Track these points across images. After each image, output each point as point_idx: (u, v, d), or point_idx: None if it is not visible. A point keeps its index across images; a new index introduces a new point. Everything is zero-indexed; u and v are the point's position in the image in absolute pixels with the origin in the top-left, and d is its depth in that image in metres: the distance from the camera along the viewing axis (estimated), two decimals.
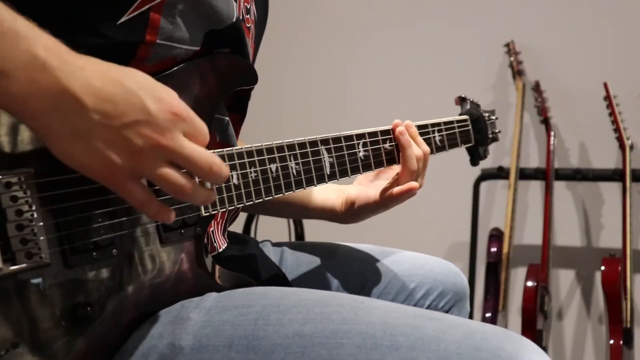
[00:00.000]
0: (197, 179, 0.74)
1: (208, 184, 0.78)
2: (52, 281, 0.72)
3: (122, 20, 0.80)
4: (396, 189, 1.09)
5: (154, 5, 0.82)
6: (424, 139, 1.14)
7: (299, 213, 1.36)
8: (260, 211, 0.93)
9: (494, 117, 1.37)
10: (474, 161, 1.35)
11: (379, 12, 2.66)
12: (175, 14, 0.84)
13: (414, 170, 1.09)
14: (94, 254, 0.75)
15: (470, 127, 1.29)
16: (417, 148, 1.11)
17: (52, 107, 0.64)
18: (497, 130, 1.38)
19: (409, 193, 1.09)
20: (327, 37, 2.74)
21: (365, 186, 1.16)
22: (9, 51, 0.62)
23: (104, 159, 0.66)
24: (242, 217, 2.46)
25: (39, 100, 0.64)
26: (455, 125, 1.25)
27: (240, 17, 0.97)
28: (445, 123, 1.22)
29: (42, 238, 0.70)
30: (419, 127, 1.15)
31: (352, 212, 1.16)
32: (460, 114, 1.31)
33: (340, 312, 0.78)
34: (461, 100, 1.34)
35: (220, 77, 0.89)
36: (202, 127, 0.72)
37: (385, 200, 1.11)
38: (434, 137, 1.19)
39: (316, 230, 2.39)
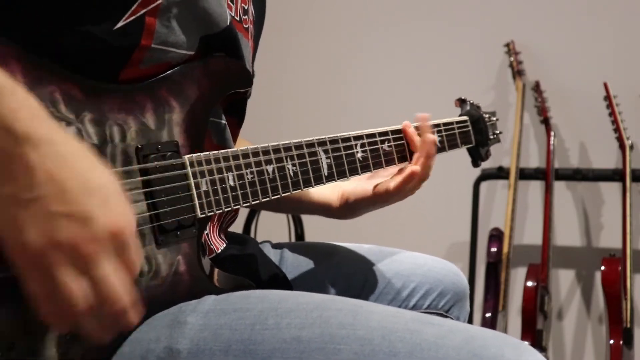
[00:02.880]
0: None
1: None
2: None
3: (119, 25, 0.80)
4: (398, 178, 1.09)
5: (149, 10, 0.82)
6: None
7: (294, 208, 1.36)
8: (254, 205, 0.92)
9: (494, 119, 1.37)
10: (475, 162, 1.35)
11: (379, 11, 2.66)
12: (171, 18, 0.84)
13: (425, 178, 1.11)
14: None
15: (470, 127, 1.29)
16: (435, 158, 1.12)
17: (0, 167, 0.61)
18: (498, 132, 1.38)
19: (411, 179, 1.08)
20: (325, 37, 2.73)
21: (363, 182, 1.15)
22: None
23: (22, 234, 0.61)
24: (242, 217, 2.46)
25: None
26: (455, 126, 1.24)
27: (238, 19, 0.97)
28: (445, 124, 1.22)
29: None
30: (416, 128, 1.15)
31: (348, 207, 1.16)
32: (460, 115, 1.31)
33: (338, 317, 0.78)
34: (461, 102, 1.34)
35: (215, 80, 0.89)
36: (135, 260, 0.66)
37: (384, 196, 1.10)
38: None
39: (316, 231, 2.39)
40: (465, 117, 1.29)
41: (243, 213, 2.43)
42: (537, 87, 2.47)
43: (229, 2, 0.95)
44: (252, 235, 2.45)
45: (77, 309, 0.63)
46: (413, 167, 1.09)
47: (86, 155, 0.66)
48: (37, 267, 0.62)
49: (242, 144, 1.09)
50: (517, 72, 2.44)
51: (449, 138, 1.22)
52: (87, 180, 0.64)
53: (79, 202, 0.63)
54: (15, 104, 0.62)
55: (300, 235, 2.46)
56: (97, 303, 0.64)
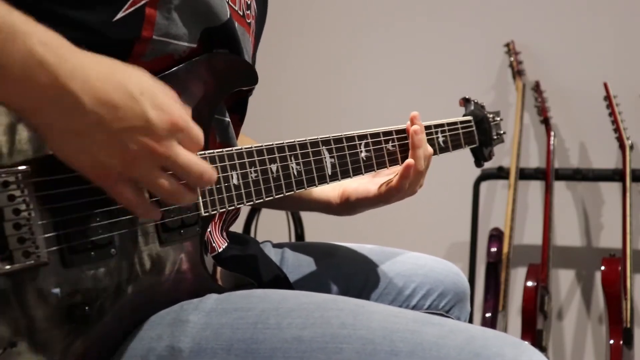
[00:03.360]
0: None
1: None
2: (50, 280, 0.71)
3: (118, 17, 0.80)
4: (396, 178, 1.08)
5: (150, 1, 0.81)
6: (427, 140, 1.13)
7: (294, 205, 1.36)
8: (257, 204, 0.93)
9: (498, 119, 1.37)
10: (479, 162, 1.35)
11: (380, 11, 2.66)
12: (171, 9, 0.83)
13: (421, 171, 1.09)
14: (93, 253, 0.74)
15: (474, 128, 1.29)
16: (426, 149, 1.10)
17: (48, 105, 0.64)
18: (502, 132, 1.37)
19: (408, 173, 1.07)
20: (328, 37, 2.73)
21: (365, 180, 1.15)
22: (5, 46, 0.61)
23: (98, 159, 0.67)
24: (242, 217, 2.46)
25: (36, 97, 0.63)
26: (459, 126, 1.24)
27: (241, 13, 0.97)
28: (449, 124, 1.21)
29: (39, 237, 0.69)
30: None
31: (349, 206, 1.15)
32: (464, 115, 1.30)
33: (340, 317, 0.78)
34: (465, 102, 1.34)
35: (220, 77, 0.89)
36: (198, 135, 0.73)
37: (385, 194, 1.10)
38: (437, 137, 1.18)
39: (316, 231, 2.39)
40: (469, 117, 1.29)
41: (243, 213, 2.43)
42: (537, 87, 2.47)
43: None
44: (252, 235, 2.45)
45: (180, 196, 0.72)
46: (409, 160, 1.08)
47: (116, 66, 0.69)
48: (125, 182, 0.69)
49: (244, 141, 1.09)
50: (517, 72, 2.44)
51: (452, 138, 1.22)
52: (129, 90, 0.67)
53: (132, 112, 0.67)
54: (43, 35, 0.64)
55: (300, 235, 2.46)
56: (186, 178, 0.72)
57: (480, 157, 1.34)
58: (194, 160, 0.72)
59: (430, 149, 1.11)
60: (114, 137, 0.66)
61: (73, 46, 0.66)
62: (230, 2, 0.93)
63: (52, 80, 0.63)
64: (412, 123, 1.10)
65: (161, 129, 0.68)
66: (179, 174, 0.71)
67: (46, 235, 0.70)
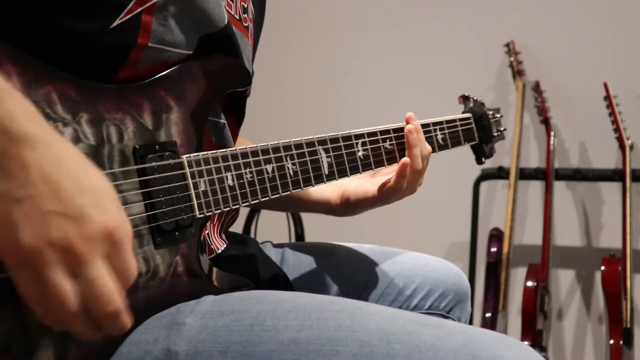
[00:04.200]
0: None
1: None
2: None
3: (115, 24, 0.79)
4: (393, 178, 1.08)
5: (146, 8, 0.81)
6: (426, 137, 1.13)
7: (293, 206, 1.35)
8: (254, 205, 0.92)
9: (498, 115, 1.36)
10: (479, 160, 1.34)
11: (379, 11, 2.66)
12: (167, 16, 0.83)
13: (418, 169, 1.08)
14: None
15: (473, 125, 1.28)
16: (423, 147, 1.10)
17: None
18: (502, 128, 1.37)
19: (404, 172, 1.06)
20: (326, 36, 2.73)
21: (364, 180, 1.15)
22: None
23: (13, 231, 0.61)
24: (242, 217, 2.46)
25: None
26: (458, 123, 1.24)
27: (237, 17, 0.97)
28: (448, 121, 1.21)
29: None
30: (421, 125, 1.14)
31: (348, 206, 1.15)
32: (463, 112, 1.30)
33: (337, 319, 0.77)
34: (464, 99, 1.33)
35: (213, 79, 0.89)
36: (129, 264, 0.65)
37: (384, 194, 1.10)
38: (436, 135, 1.18)
39: (316, 231, 2.39)
40: (468, 115, 1.28)
41: (243, 213, 2.43)
42: (537, 87, 2.46)
43: (229, 0, 0.95)
44: (252, 235, 2.45)
45: (69, 310, 0.62)
46: (404, 158, 1.08)
47: (80, 158, 0.65)
48: (29, 266, 0.61)
49: (243, 143, 1.09)
50: (517, 72, 2.44)
51: (451, 135, 1.21)
52: (81, 181, 0.63)
53: (72, 201, 0.62)
54: (13, 106, 0.61)
55: (300, 235, 2.46)
56: (89, 304, 0.63)
57: (480, 155, 1.33)
58: (107, 284, 0.63)
59: (427, 148, 1.11)
60: (41, 216, 0.61)
61: (46, 124, 0.64)
62: (226, 7, 0.93)
63: (8, 143, 0.61)
64: (407, 122, 1.10)
65: (92, 231, 0.62)
66: (84, 290, 0.62)
67: None
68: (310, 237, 2.50)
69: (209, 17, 0.87)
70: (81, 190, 0.63)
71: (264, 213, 2.47)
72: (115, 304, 0.64)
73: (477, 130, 1.29)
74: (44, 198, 0.61)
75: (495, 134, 1.34)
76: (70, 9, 0.77)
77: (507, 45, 2.47)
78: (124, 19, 0.80)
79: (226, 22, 0.90)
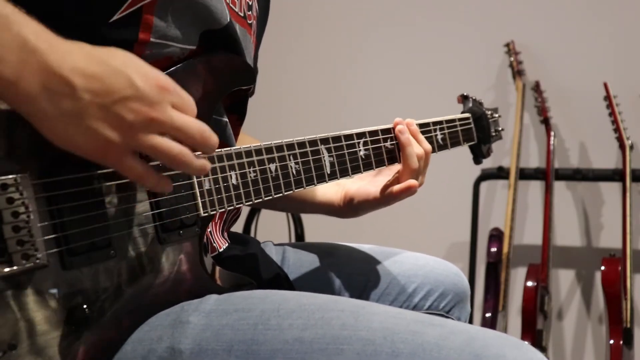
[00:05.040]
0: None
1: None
2: (49, 282, 0.71)
3: (115, 18, 0.80)
4: (396, 187, 1.09)
5: (147, 4, 0.81)
6: (426, 137, 1.13)
7: (296, 207, 1.35)
8: (257, 204, 0.92)
9: (497, 115, 1.36)
10: (477, 159, 1.34)
11: (380, 11, 2.66)
12: (169, 12, 0.83)
13: (414, 168, 1.08)
14: (92, 255, 0.74)
15: (472, 125, 1.28)
16: (417, 146, 1.10)
17: (42, 90, 0.65)
18: (500, 128, 1.37)
19: (409, 191, 1.08)
20: (327, 36, 2.73)
21: (365, 182, 1.15)
22: (0, 35, 0.63)
23: (98, 137, 0.67)
24: (242, 217, 2.46)
25: (30, 83, 0.64)
26: (457, 123, 1.24)
27: (242, 14, 0.97)
28: (447, 121, 1.21)
29: (38, 239, 0.69)
30: (421, 125, 1.14)
31: (351, 207, 1.16)
32: (462, 112, 1.30)
33: (341, 318, 0.78)
34: (463, 99, 1.34)
35: (218, 77, 0.89)
36: (189, 98, 0.73)
37: (385, 198, 1.10)
38: (436, 135, 1.18)
39: (316, 231, 2.39)
40: (467, 114, 1.28)
41: (243, 213, 2.43)
42: (537, 87, 2.47)
43: None
44: (252, 235, 2.45)
45: (186, 157, 0.72)
46: (412, 181, 1.08)
47: (101, 48, 0.70)
48: (129, 154, 0.70)
49: (246, 140, 1.09)
50: (517, 72, 2.44)
51: (451, 135, 1.22)
52: (113, 64, 0.69)
53: (121, 83, 0.68)
54: (35, 25, 0.66)
55: (300, 235, 2.46)
56: (188, 141, 0.72)
57: (478, 155, 1.33)
58: (189, 120, 0.72)
59: (425, 147, 1.11)
60: (108, 111, 0.67)
61: (58, 36, 0.67)
62: (230, 4, 0.93)
63: (44, 66, 0.65)
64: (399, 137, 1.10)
65: (151, 94, 0.69)
66: (178, 136, 0.72)
67: (45, 238, 0.70)
68: (310, 237, 2.50)
69: (210, 12, 0.87)
70: (120, 71, 0.68)
71: (264, 213, 2.47)
72: (205, 129, 0.74)
73: (476, 130, 1.29)
74: (98, 96, 0.67)
75: (494, 134, 1.34)
76: (71, 2, 0.77)
77: (507, 45, 2.47)
78: (124, 13, 0.80)
79: (228, 20, 0.90)
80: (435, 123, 1.18)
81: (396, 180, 1.10)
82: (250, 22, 1.00)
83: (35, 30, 0.65)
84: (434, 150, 1.15)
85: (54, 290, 0.71)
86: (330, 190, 1.18)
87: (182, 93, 0.73)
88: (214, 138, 0.75)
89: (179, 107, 0.72)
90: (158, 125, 0.70)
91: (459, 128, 1.24)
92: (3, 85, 0.64)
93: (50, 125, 0.67)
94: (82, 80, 0.66)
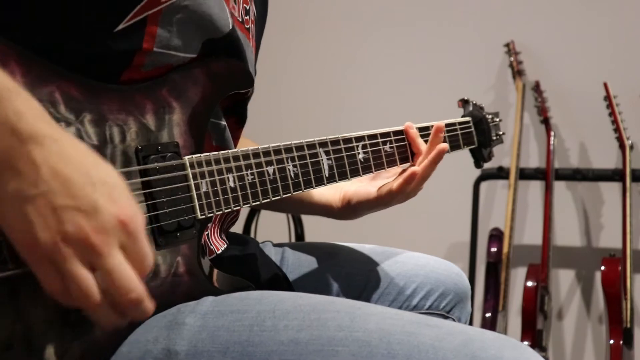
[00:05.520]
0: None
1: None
2: None
3: (119, 28, 0.79)
4: (396, 182, 1.08)
5: (151, 14, 0.81)
6: (425, 141, 1.13)
7: (295, 208, 1.35)
8: (255, 206, 0.92)
9: (497, 120, 1.37)
10: (478, 163, 1.35)
11: (379, 12, 2.66)
12: (173, 23, 0.83)
13: (426, 178, 1.11)
14: None
15: (472, 128, 1.29)
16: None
17: (4, 163, 0.62)
18: (501, 133, 1.37)
19: (411, 180, 1.08)
20: (326, 37, 2.73)
21: (365, 183, 1.15)
22: None
23: (30, 230, 0.62)
24: (242, 217, 2.46)
25: None
26: (458, 127, 1.24)
27: (240, 19, 0.97)
28: (447, 125, 1.21)
29: None
30: (421, 129, 1.14)
31: (349, 209, 1.15)
32: (462, 116, 1.30)
33: (336, 319, 0.78)
34: (464, 103, 1.34)
35: (215, 80, 0.89)
36: (145, 252, 0.66)
37: (386, 196, 1.10)
38: None
39: (316, 231, 2.39)
40: (468, 118, 1.29)
41: (243, 213, 2.43)
42: (537, 87, 2.47)
43: (232, 2, 0.95)
44: (252, 235, 2.45)
45: (92, 300, 0.63)
46: (414, 168, 1.08)
47: (89, 153, 0.66)
48: (48, 262, 0.63)
49: (246, 144, 1.09)
50: (517, 72, 2.44)
51: (451, 139, 1.22)
52: (91, 175, 0.64)
53: (84, 194, 0.63)
54: (20, 105, 0.62)
55: (300, 235, 2.46)
56: (111, 293, 0.64)
57: (479, 158, 1.34)
58: (127, 272, 0.64)
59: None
60: (54, 212, 0.62)
61: (50, 120, 0.65)
62: (230, 10, 0.93)
63: (17, 143, 0.62)
64: (437, 137, 1.12)
65: (106, 222, 0.63)
66: (104, 278, 0.64)
67: None
68: (310, 237, 2.50)
69: (213, 22, 0.87)
70: (92, 184, 0.64)
71: (264, 213, 2.47)
72: (136, 291, 0.65)
73: (477, 134, 1.30)
74: (56, 194, 0.62)
75: (494, 138, 1.34)
76: (74, 11, 0.77)
77: (507, 45, 2.47)
78: (129, 23, 0.80)
79: (231, 27, 0.90)
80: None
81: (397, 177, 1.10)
82: (248, 26, 1.00)
83: (18, 110, 0.62)
84: None
85: None
86: (328, 192, 1.18)
87: (141, 243, 0.66)
88: (145, 305, 0.66)
89: (128, 253, 0.65)
90: (91, 254, 0.63)
91: (459, 132, 1.24)
92: None
93: None
94: (49, 172, 0.62)
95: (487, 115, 1.33)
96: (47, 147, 0.62)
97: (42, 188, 0.62)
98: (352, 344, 0.75)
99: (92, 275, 0.63)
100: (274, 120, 2.67)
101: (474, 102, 1.34)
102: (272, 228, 2.44)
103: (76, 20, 0.78)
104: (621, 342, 2.10)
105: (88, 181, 0.64)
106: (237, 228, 2.05)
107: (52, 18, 0.76)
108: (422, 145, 1.12)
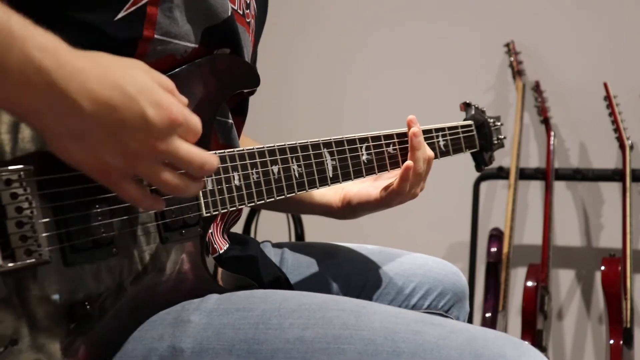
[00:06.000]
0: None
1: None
2: (51, 279, 0.71)
3: (120, 16, 0.80)
4: (396, 181, 1.09)
5: (150, 0, 0.82)
6: (428, 144, 1.13)
7: (295, 208, 1.35)
8: (258, 205, 0.93)
9: (499, 124, 1.37)
10: (479, 166, 1.35)
11: (380, 12, 2.66)
12: (172, 8, 0.84)
13: (419, 172, 1.09)
14: (94, 252, 0.74)
15: (474, 132, 1.29)
16: (424, 151, 1.10)
17: (47, 109, 0.64)
18: (502, 137, 1.37)
19: (407, 175, 1.07)
20: (327, 37, 2.73)
21: (366, 184, 1.15)
22: (2, 52, 0.61)
23: (99, 159, 0.67)
24: (242, 217, 2.46)
25: (34, 102, 0.63)
26: (460, 130, 1.24)
27: (240, 12, 0.97)
28: (450, 128, 1.22)
29: (41, 235, 0.70)
30: (423, 131, 1.14)
31: (350, 209, 1.16)
32: (464, 120, 1.31)
33: (342, 317, 0.78)
34: (466, 106, 1.34)
35: (222, 79, 0.89)
36: (196, 125, 0.72)
37: (387, 197, 1.10)
38: (438, 142, 1.19)
39: (316, 231, 2.39)
40: (470, 122, 1.29)
41: (243, 213, 2.43)
42: (537, 87, 2.47)
43: None
44: (252, 235, 2.45)
45: (180, 190, 0.72)
46: (408, 162, 1.09)
47: (115, 66, 0.68)
48: (126, 180, 0.70)
49: (245, 141, 1.09)
50: (517, 72, 2.44)
51: (453, 142, 1.22)
52: (126, 90, 0.66)
53: (131, 112, 0.66)
54: (41, 39, 0.63)
55: (300, 235, 2.46)
56: (191, 172, 0.72)
57: (480, 162, 1.34)
58: (194, 152, 0.71)
59: (429, 152, 1.12)
60: (114, 138, 0.66)
61: (70, 49, 0.65)
62: (229, 1, 0.93)
63: (50, 85, 0.63)
64: (410, 126, 1.11)
65: (160, 127, 0.68)
66: (181, 166, 0.71)
67: (48, 234, 0.71)
68: (310, 237, 2.50)
69: (212, 7, 0.87)
70: (131, 98, 0.67)
71: (264, 213, 2.47)
72: (208, 162, 0.73)
73: (478, 138, 1.30)
74: (106, 122, 0.65)
75: (495, 142, 1.35)
76: (76, 2, 0.77)
77: (507, 45, 2.47)
78: (129, 10, 0.80)
79: (229, 14, 0.90)
80: (437, 130, 1.19)
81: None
82: (248, 20, 1.01)
83: (41, 45, 0.63)
84: (436, 157, 1.16)
85: (56, 287, 0.72)
86: (328, 192, 1.18)
87: (191, 121, 0.72)
88: (214, 167, 0.74)
89: (185, 136, 0.71)
90: (162, 156, 0.70)
91: (461, 135, 1.24)
92: (7, 103, 0.64)
93: (53, 140, 0.66)
94: (90, 104, 0.64)
95: (488, 119, 1.33)
96: (77, 79, 0.64)
97: (91, 121, 0.65)
98: (358, 342, 0.75)
99: (169, 169, 0.70)
100: (274, 120, 2.67)
101: (476, 105, 1.34)
102: (272, 228, 2.43)
103: (76, 12, 0.78)
104: (621, 342, 2.10)
105: (127, 97, 0.66)
106: (237, 228, 2.05)
107: (53, 11, 0.76)
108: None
